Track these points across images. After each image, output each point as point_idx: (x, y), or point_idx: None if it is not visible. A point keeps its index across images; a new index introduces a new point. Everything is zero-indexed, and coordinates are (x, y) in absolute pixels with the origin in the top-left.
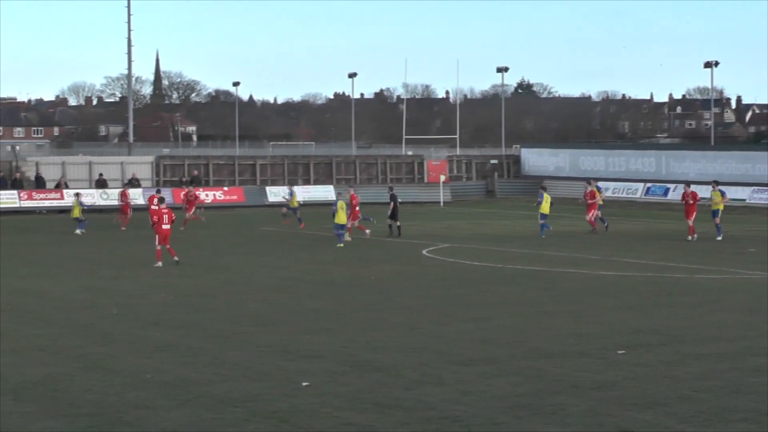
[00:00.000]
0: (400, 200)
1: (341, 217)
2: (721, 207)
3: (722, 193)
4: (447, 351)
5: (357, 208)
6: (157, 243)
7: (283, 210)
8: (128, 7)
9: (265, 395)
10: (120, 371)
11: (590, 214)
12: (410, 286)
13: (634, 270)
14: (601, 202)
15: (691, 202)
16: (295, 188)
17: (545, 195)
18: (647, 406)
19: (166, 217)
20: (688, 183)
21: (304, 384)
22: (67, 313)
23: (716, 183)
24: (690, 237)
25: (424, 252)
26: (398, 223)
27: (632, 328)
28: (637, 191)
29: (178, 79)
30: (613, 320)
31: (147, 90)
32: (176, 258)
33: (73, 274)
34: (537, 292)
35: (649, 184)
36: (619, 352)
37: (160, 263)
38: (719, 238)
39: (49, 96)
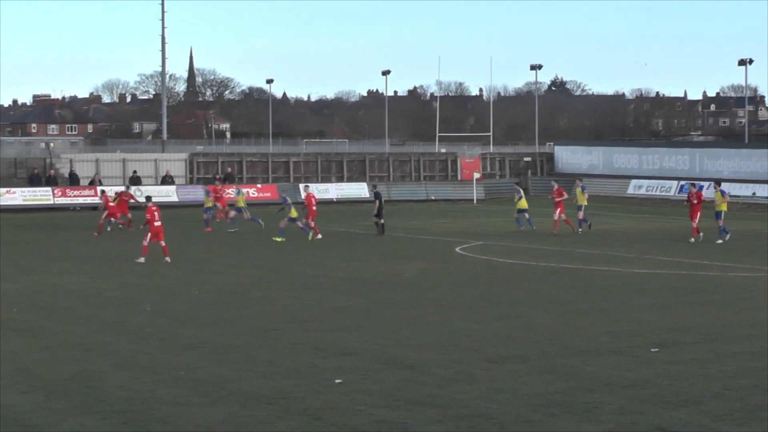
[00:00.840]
0: (434, 197)
1: (293, 212)
2: (724, 208)
3: (722, 193)
4: (479, 348)
5: (314, 207)
6: (146, 240)
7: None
8: (162, 4)
9: (297, 392)
10: (152, 368)
11: (559, 213)
12: (442, 284)
13: (668, 268)
14: (585, 203)
15: (695, 202)
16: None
17: (521, 191)
18: (681, 404)
19: (156, 214)
20: (693, 183)
21: (336, 381)
22: (99, 310)
23: (718, 183)
24: (693, 238)
25: (457, 249)
26: (382, 221)
27: (666, 326)
28: (670, 189)
29: (212, 77)
30: (647, 318)
31: (181, 87)
32: (168, 258)
33: (106, 270)
34: (570, 289)
35: (682, 182)
36: (653, 350)
37: (142, 259)
38: (719, 241)
39: (83, 93)
